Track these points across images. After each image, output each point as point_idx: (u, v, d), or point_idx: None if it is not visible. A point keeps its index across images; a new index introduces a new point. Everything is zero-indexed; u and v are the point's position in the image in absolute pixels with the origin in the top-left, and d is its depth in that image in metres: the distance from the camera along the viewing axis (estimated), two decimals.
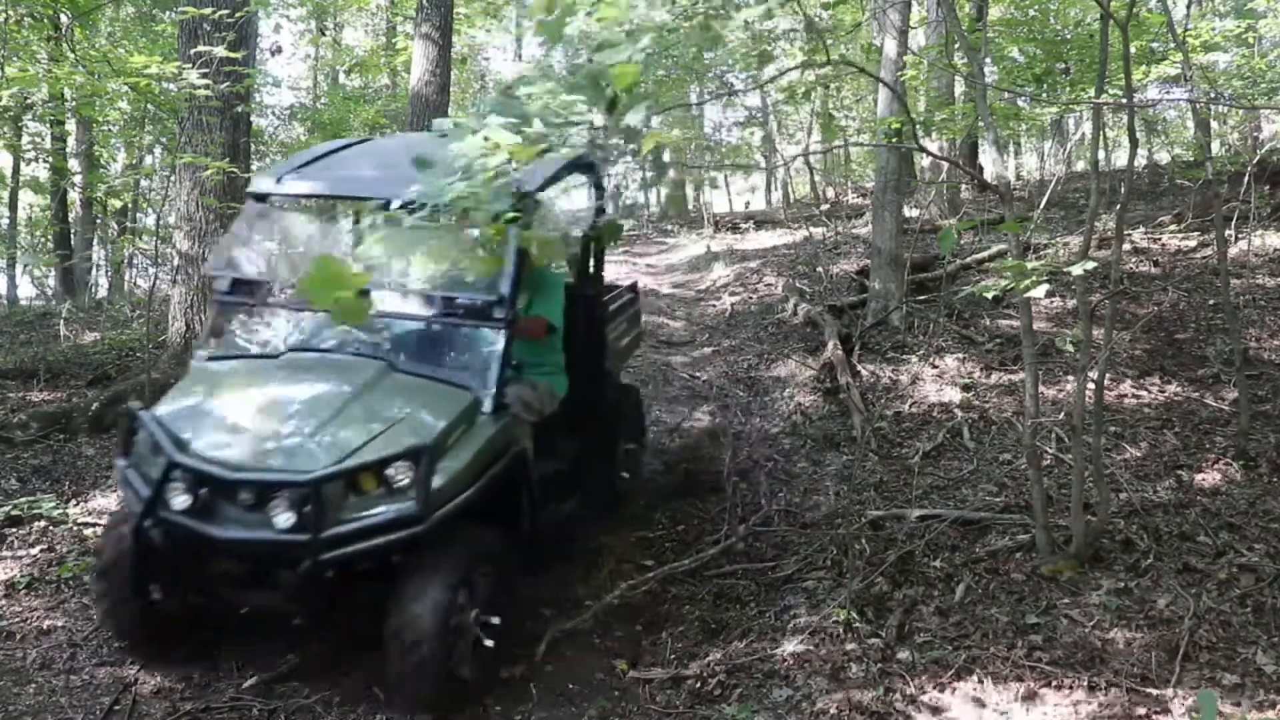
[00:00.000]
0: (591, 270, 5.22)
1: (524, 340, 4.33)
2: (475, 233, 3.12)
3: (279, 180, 4.41)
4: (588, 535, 5.03)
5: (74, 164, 14.20)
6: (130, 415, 3.78)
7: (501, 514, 3.95)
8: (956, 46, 7.39)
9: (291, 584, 3.44)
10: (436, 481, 3.46)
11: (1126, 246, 8.52)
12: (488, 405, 3.80)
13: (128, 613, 3.76)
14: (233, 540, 3.45)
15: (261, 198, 4.48)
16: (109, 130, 14.54)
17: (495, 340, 3.92)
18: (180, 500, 3.43)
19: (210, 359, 4.17)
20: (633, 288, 6.35)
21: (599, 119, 2.21)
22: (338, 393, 3.73)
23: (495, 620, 3.70)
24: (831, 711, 3.41)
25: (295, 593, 3.47)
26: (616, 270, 13.02)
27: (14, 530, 5.00)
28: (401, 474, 3.43)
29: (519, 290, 4.10)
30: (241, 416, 3.65)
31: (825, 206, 13.68)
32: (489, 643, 3.65)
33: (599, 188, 4.63)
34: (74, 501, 5.41)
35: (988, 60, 8.61)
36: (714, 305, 10.57)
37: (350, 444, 3.48)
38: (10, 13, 8.71)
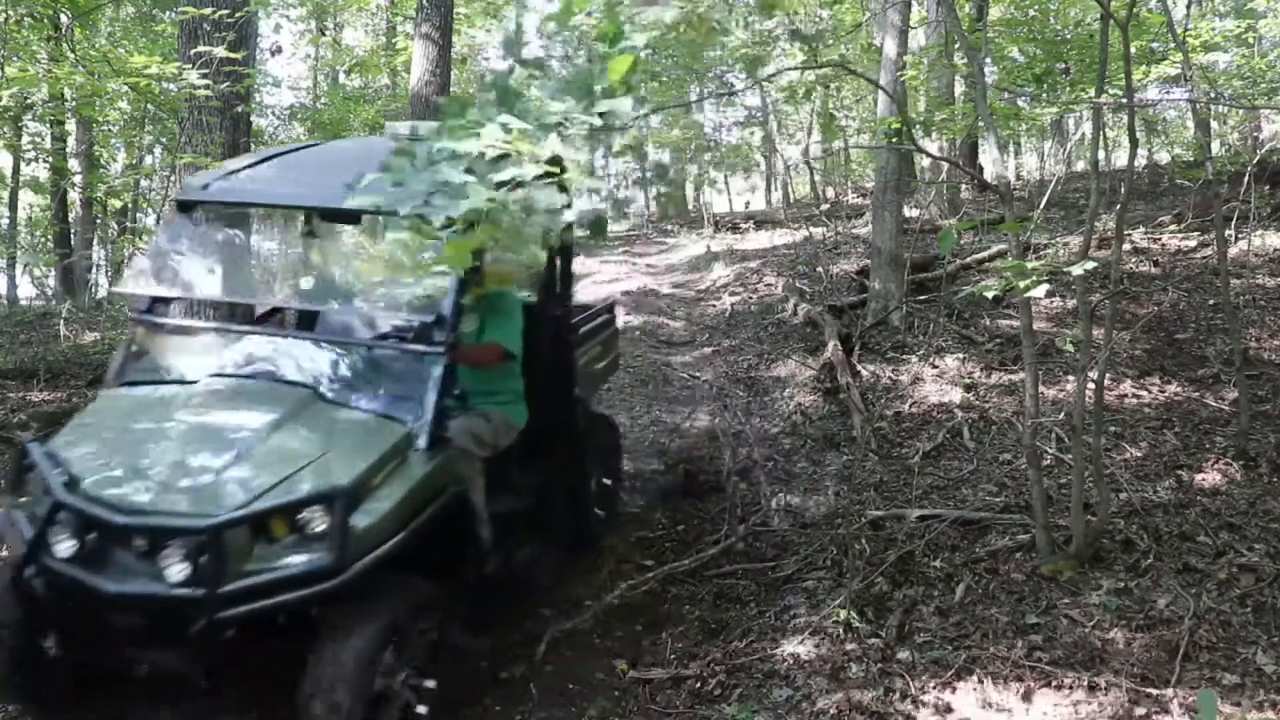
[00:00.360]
0: (559, 288, 4.69)
1: (475, 368, 4.02)
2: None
3: (207, 187, 4.02)
4: (554, 579, 4.65)
5: (74, 164, 14.20)
6: (21, 449, 3.39)
7: (442, 561, 3.60)
8: (956, 46, 7.39)
9: (191, 643, 3.00)
10: (358, 526, 3.08)
11: (1126, 246, 8.52)
12: (422, 440, 3.43)
13: (17, 669, 3.28)
14: (120, 595, 3.00)
15: (188, 206, 4.08)
16: (109, 130, 14.55)
17: (432, 367, 3.54)
18: (65, 547, 3.04)
19: (122, 385, 3.79)
20: (609, 307, 5.75)
21: (595, 119, 2.21)
22: (255, 425, 3.35)
23: (430, 684, 3.32)
24: (831, 711, 3.41)
25: (196, 653, 3.04)
26: (616, 270, 13.04)
27: None
28: (317, 519, 3.04)
29: (464, 312, 3.81)
30: (144, 451, 3.27)
31: (825, 206, 13.68)
32: (422, 709, 3.28)
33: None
34: None
35: (988, 60, 8.61)
36: (714, 305, 10.57)
37: (261, 484, 3.10)
38: (10, 13, 8.71)
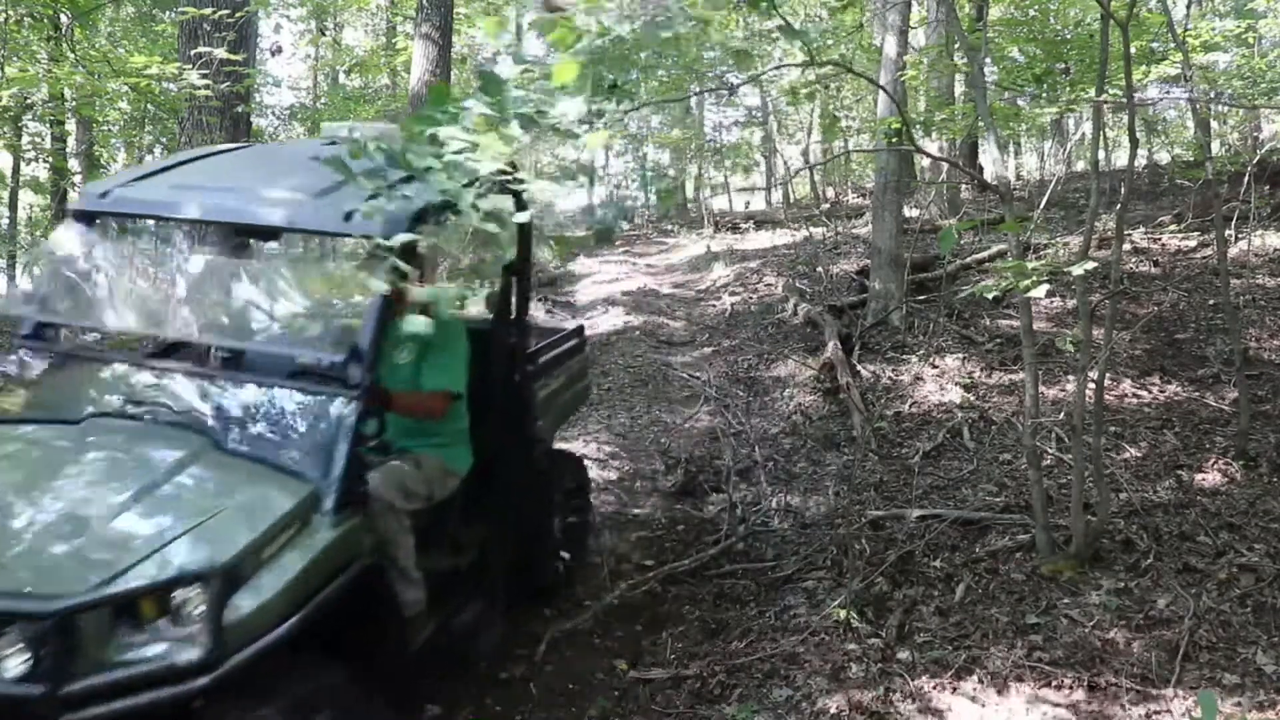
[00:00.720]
0: (514, 312, 4.13)
1: (410, 416, 3.52)
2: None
3: (106, 195, 3.48)
4: (503, 640, 4.07)
5: (74, 164, 14.19)
6: None
7: (357, 640, 3.08)
8: (956, 46, 7.39)
9: None
10: (243, 608, 2.57)
11: (1126, 246, 8.52)
12: (329, 501, 2.89)
13: None
14: None
15: (86, 217, 3.54)
16: (109, 130, 14.55)
17: (343, 414, 2.99)
18: None
19: None
20: (578, 331, 5.10)
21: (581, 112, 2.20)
22: (130, 480, 2.83)
23: None
24: (831, 711, 3.41)
25: None
26: (616, 270, 13.04)
27: None
28: (193, 601, 2.53)
29: (398, 345, 3.48)
30: None
31: (825, 206, 13.69)
32: None
33: (522, 208, 3.71)
34: None
35: (988, 60, 8.61)
36: (714, 305, 10.57)
37: (127, 558, 2.56)
38: (10, 13, 8.71)
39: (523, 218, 2.80)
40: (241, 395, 3.24)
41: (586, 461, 6.15)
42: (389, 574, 3.19)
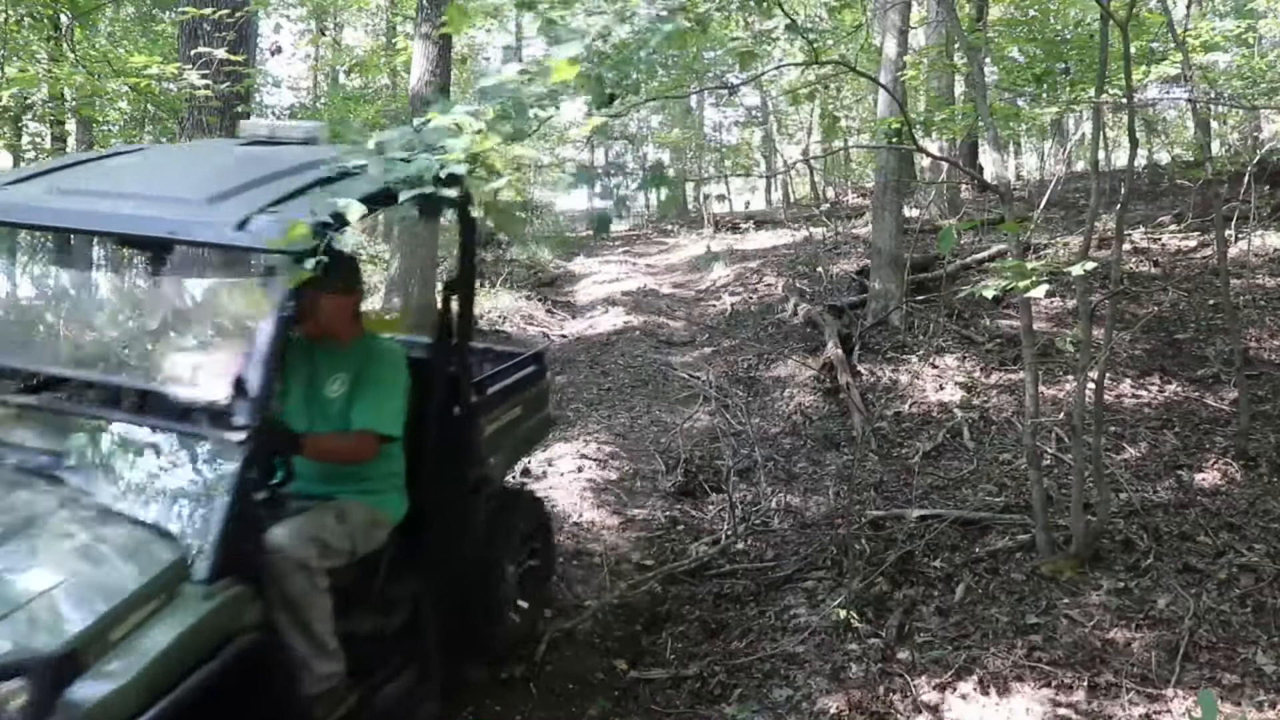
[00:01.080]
0: (454, 334, 3.50)
1: (330, 462, 3.09)
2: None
3: None
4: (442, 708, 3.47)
5: None
6: None
7: None
8: (956, 46, 7.39)
9: None
10: (85, 701, 2.12)
11: (1126, 246, 8.52)
12: (202, 568, 2.44)
13: None
14: None
15: None
16: (109, 130, 14.53)
17: (223, 463, 2.54)
18: None
19: None
20: (537, 355, 4.43)
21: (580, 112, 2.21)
22: None
23: None
24: (831, 711, 3.41)
25: None
26: (616, 270, 13.04)
27: None
28: (19, 695, 2.11)
29: (328, 376, 3.08)
30: None
31: (825, 206, 13.69)
32: None
33: (467, 221, 3.39)
34: None
35: (988, 60, 8.61)
36: (714, 305, 10.58)
37: None
38: (10, 13, 8.70)
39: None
40: (109, 438, 2.75)
41: (587, 461, 6.18)
42: (294, 644, 2.72)
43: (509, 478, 4.74)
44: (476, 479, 3.66)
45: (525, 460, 5.55)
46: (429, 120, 2.30)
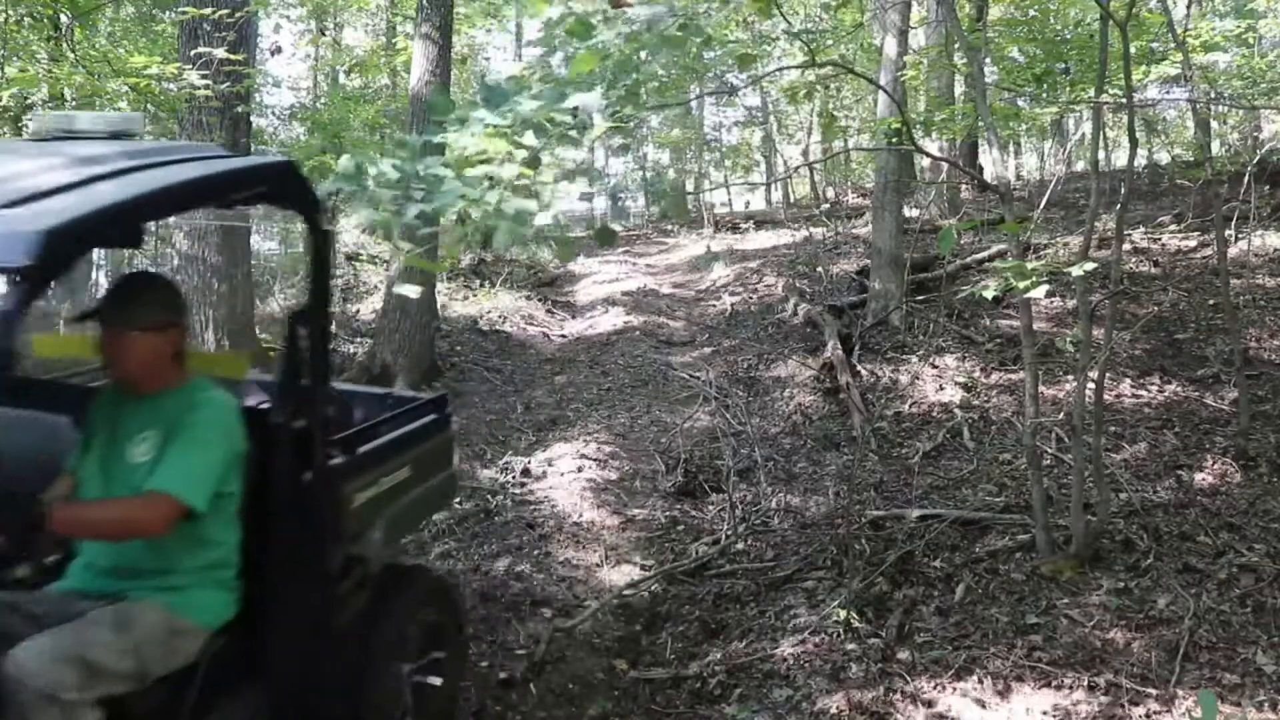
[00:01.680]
0: (307, 377, 2.69)
1: (97, 538, 2.41)
2: None
3: None
4: None
5: None
6: None
7: None
8: (956, 46, 7.39)
9: None
10: None
11: (1126, 246, 8.52)
12: None
13: None
14: None
15: None
16: None
17: None
18: None
19: None
20: (437, 402, 3.56)
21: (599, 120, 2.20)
22: None
23: None
24: (831, 711, 3.42)
25: None
26: (616, 270, 13.04)
27: None
28: None
29: (122, 429, 2.44)
30: None
31: (825, 206, 13.68)
32: None
33: (319, 233, 2.68)
34: None
35: (988, 60, 8.61)
36: (714, 305, 10.58)
37: None
38: (10, 13, 8.71)
39: (544, 219, 2.08)
40: None
41: (587, 461, 6.17)
42: None
43: (400, 555, 4.00)
44: (342, 562, 2.80)
45: (421, 527, 4.51)
46: (440, 131, 2.25)
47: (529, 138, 2.13)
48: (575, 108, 2.15)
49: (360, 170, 2.11)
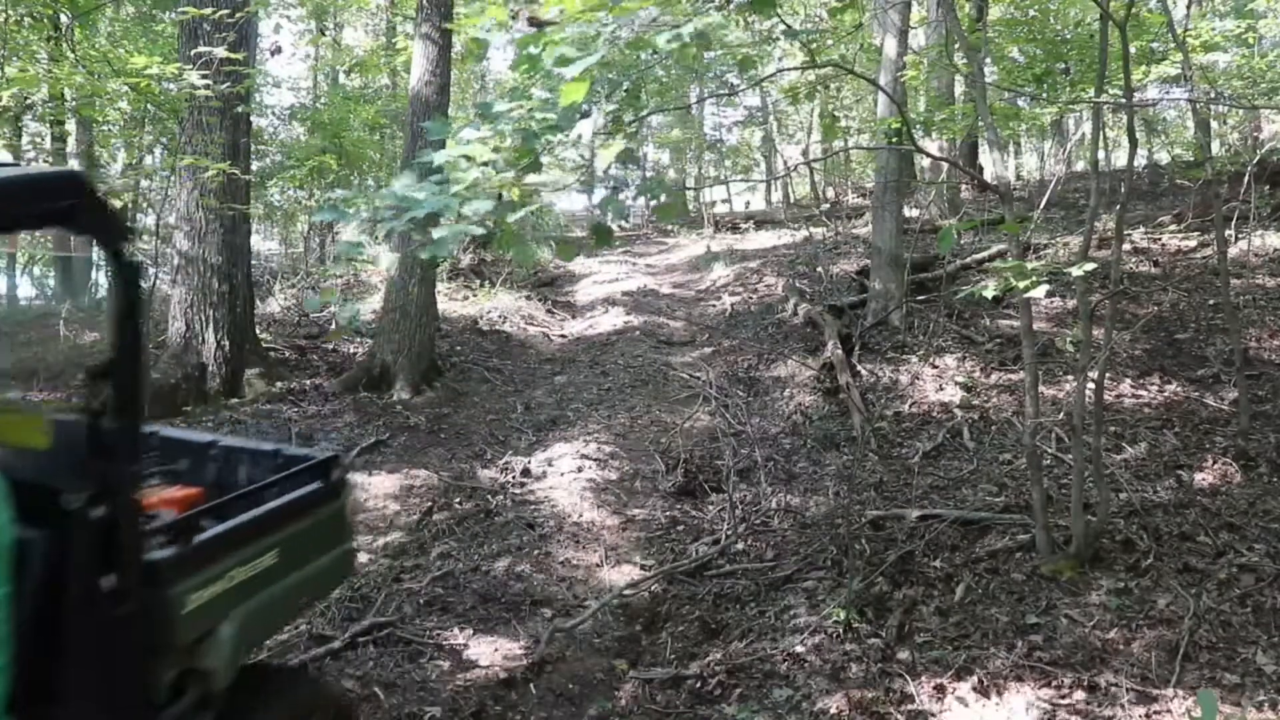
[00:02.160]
0: (109, 454, 2.11)
1: None
2: None
3: None
4: None
5: (74, 164, 14.20)
6: None
7: None
8: (956, 46, 7.39)
9: None
10: None
11: (1126, 246, 8.52)
12: None
13: None
14: None
15: None
16: (109, 130, 14.54)
17: None
18: None
19: None
20: (327, 463, 2.81)
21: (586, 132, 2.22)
22: None
23: None
24: (831, 711, 3.42)
25: None
26: (616, 270, 13.04)
27: None
28: None
29: None
30: None
31: (825, 206, 13.68)
32: None
33: (125, 267, 2.10)
34: None
35: (988, 60, 8.61)
36: (714, 305, 10.57)
37: None
38: (10, 13, 8.71)
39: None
40: None
41: (587, 461, 6.17)
42: None
43: (281, 656, 3.50)
44: (170, 679, 2.27)
45: (306, 615, 3.78)
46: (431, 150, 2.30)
47: (509, 141, 2.15)
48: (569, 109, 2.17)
49: (347, 203, 2.15)
